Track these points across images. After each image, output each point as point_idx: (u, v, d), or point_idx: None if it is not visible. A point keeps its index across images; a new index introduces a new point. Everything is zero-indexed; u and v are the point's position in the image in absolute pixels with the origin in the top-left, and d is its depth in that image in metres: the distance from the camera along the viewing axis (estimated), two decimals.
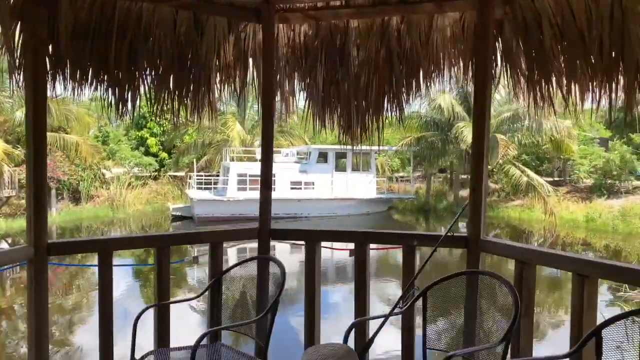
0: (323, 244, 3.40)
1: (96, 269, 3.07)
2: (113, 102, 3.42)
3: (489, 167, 24.43)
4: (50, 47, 3.11)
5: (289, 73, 3.88)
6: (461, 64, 3.53)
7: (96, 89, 3.37)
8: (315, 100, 3.84)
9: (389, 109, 3.71)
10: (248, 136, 28.38)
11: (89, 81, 3.31)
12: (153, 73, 3.54)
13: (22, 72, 2.99)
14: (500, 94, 23.39)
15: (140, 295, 13.19)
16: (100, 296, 3.03)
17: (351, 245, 3.37)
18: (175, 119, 3.70)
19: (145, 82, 3.51)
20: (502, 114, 23.41)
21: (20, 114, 20.98)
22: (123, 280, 15.85)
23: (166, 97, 3.57)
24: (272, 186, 3.68)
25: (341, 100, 3.76)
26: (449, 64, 3.56)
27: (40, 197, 2.85)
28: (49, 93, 3.23)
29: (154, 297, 3.13)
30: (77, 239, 3.24)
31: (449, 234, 3.02)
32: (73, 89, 3.33)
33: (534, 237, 21.46)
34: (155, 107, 3.54)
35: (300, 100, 4.02)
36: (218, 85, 3.80)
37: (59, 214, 22.21)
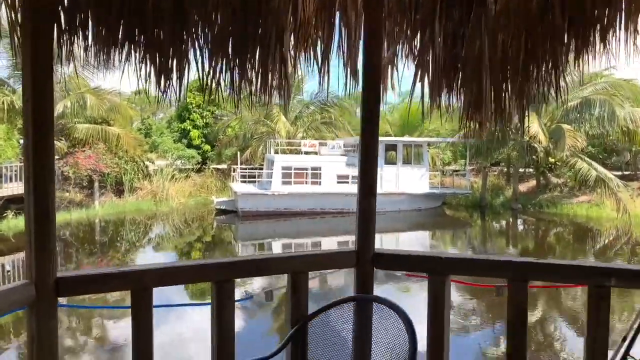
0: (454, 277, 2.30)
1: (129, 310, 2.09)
2: (153, 74, 2.43)
3: (552, 159, 22.64)
4: None
5: (389, 31, 2.79)
6: None
7: (129, 55, 2.39)
8: (428, 69, 2.73)
9: (540, 82, 2.57)
10: (292, 128, 27.47)
11: (119, 44, 2.33)
12: (207, 31, 2.53)
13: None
14: (570, 75, 21.40)
15: (184, 286, 12.53)
16: (135, 355, 2.05)
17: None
18: (236, 97, 2.67)
19: (196, 44, 2.50)
20: (569, 102, 21.48)
21: (61, 106, 20.85)
22: (162, 259, 15.36)
23: (224, 67, 2.55)
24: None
25: (468, 69, 2.64)
26: (636, 16, 2.39)
27: (45, 210, 1.90)
28: (64, 62, 2.31)
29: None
30: (99, 271, 2.22)
31: None
32: (97, 54, 2.37)
33: (601, 237, 19.68)
34: (209, 82, 2.52)
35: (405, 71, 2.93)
36: (292, 53, 2.76)
37: (102, 207, 21.96)
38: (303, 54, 2.76)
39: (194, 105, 30.73)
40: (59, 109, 20.85)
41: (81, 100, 21.16)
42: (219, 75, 2.55)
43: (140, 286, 2.07)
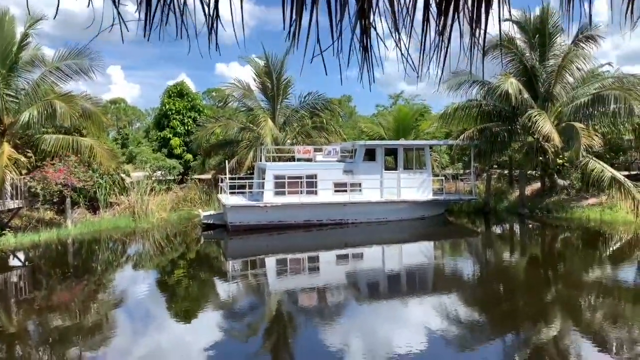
0: None
1: None
2: None
3: (560, 161, 21.39)
4: None
5: None
6: None
7: None
8: None
9: None
10: (280, 134, 25.72)
11: None
12: None
13: None
14: (582, 70, 20.15)
15: (165, 306, 10.84)
16: None
17: None
18: None
19: None
20: (578, 99, 20.21)
21: (27, 115, 18.75)
22: (145, 282, 13.53)
23: None
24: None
25: None
26: None
27: None
28: None
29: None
30: None
31: None
32: None
33: (612, 241, 18.34)
34: None
35: None
36: None
37: (75, 226, 19.82)
38: None
39: (173, 112, 28.76)
40: (24, 118, 18.71)
41: (49, 108, 19.01)
42: None
43: None
